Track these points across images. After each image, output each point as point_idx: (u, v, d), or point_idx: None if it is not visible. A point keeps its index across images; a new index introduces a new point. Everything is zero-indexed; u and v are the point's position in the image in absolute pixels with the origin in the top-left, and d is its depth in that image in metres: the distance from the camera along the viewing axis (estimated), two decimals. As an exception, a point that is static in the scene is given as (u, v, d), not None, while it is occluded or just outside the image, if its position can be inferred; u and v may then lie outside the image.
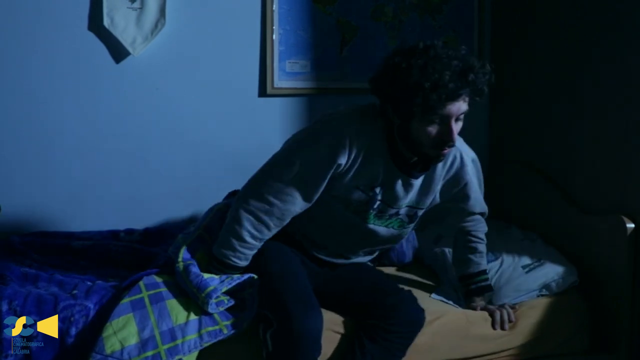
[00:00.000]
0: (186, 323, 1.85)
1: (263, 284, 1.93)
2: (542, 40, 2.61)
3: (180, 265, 1.97)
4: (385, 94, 1.83)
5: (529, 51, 2.70)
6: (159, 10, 2.59)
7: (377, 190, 1.94)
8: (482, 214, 2.18)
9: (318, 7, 2.76)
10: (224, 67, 2.71)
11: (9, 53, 2.50)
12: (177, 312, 1.88)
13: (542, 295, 2.21)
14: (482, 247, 2.19)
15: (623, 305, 2.15)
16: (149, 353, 1.79)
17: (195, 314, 1.88)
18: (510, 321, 2.11)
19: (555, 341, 2.18)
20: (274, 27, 2.72)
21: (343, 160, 1.87)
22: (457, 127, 1.80)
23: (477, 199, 2.12)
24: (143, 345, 1.80)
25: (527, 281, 2.22)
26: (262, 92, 2.75)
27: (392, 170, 1.92)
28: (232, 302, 1.92)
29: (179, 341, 1.82)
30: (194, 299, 1.92)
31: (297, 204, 1.92)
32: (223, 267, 1.96)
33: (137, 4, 2.58)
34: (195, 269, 1.95)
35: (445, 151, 1.84)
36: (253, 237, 1.94)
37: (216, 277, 1.94)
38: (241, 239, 1.93)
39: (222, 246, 1.96)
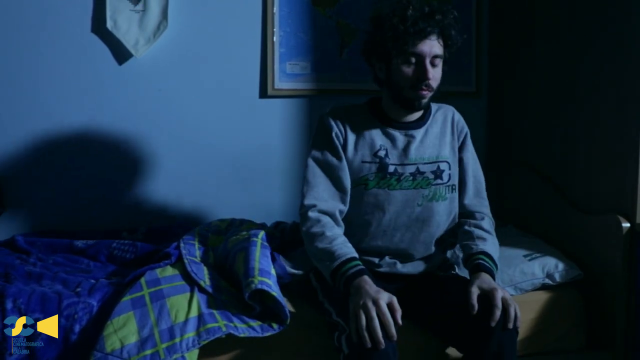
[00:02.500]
0: (185, 321, 1.86)
1: (339, 297, 1.91)
2: (540, 41, 2.62)
3: (259, 242, 2.10)
4: (369, 46, 2.00)
5: (527, 52, 2.70)
6: (162, 12, 2.62)
7: (381, 154, 2.00)
8: (478, 191, 2.12)
9: (318, 10, 2.79)
10: (225, 69, 2.73)
11: (13, 55, 2.53)
12: (177, 310, 1.88)
13: (544, 286, 2.22)
14: (478, 232, 2.07)
15: (619, 303, 2.16)
16: (148, 352, 1.80)
17: (195, 312, 1.89)
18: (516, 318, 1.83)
19: (551, 338, 2.19)
20: (274, 29, 2.74)
21: (335, 130, 2.00)
22: (434, 72, 1.91)
23: (474, 158, 2.13)
24: (142, 343, 1.81)
25: (532, 266, 2.23)
26: (263, 93, 2.77)
27: (385, 130, 2.02)
28: (257, 307, 1.93)
29: (177, 340, 1.83)
30: (237, 271, 2.00)
31: (331, 199, 1.98)
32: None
33: (139, 7, 2.61)
34: (268, 253, 2.07)
35: (423, 92, 1.92)
36: (309, 238, 1.95)
37: (275, 277, 2.00)
38: (307, 244, 1.97)
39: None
